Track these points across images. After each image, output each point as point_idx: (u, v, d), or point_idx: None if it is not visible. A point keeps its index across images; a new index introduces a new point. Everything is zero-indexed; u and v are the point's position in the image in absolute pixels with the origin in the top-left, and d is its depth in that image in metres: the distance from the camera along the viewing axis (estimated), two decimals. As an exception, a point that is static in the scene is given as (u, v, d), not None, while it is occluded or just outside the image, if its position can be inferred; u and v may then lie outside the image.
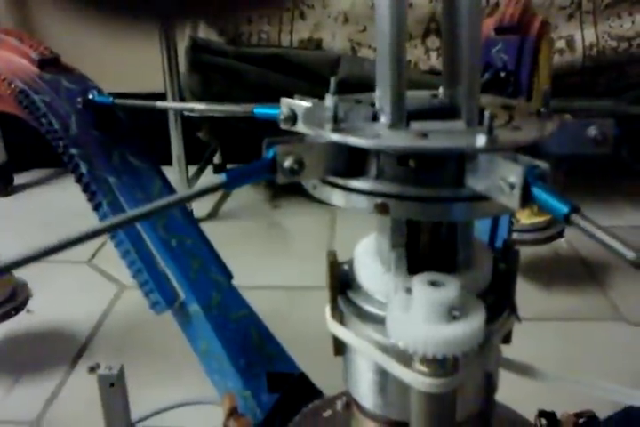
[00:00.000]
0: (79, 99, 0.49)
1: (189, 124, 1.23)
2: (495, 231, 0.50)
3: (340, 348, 0.31)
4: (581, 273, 0.99)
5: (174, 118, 1.18)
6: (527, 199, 0.23)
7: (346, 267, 0.31)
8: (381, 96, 0.28)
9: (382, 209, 0.27)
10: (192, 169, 1.28)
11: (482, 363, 0.28)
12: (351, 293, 0.30)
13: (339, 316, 0.30)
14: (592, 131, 0.29)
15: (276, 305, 0.90)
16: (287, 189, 1.32)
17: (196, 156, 1.34)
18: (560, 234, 0.96)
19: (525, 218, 0.94)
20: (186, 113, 1.11)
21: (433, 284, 0.26)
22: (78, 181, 0.47)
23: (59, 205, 1.25)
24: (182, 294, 0.43)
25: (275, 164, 0.26)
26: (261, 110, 0.40)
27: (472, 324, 0.25)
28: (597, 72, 1.10)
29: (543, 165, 0.23)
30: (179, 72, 1.15)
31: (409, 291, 0.26)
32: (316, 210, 1.23)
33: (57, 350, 0.82)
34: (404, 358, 0.27)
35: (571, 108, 1.15)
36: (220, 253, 1.12)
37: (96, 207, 0.46)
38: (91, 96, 0.49)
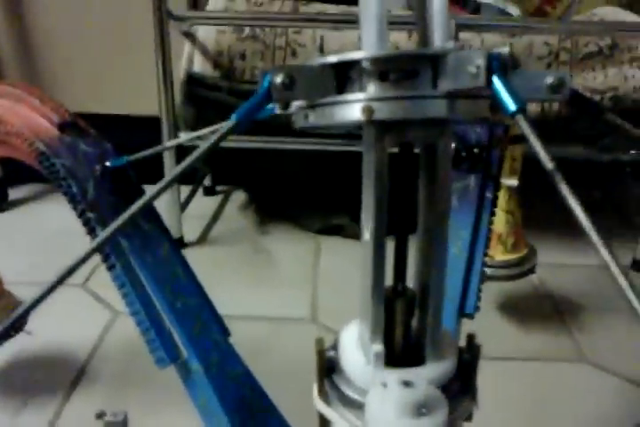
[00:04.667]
0: (97, 166, 0.54)
1: (182, 150, 1.28)
2: (465, 298, 0.56)
3: (324, 424, 0.36)
4: (549, 312, 1.06)
5: (167, 137, 1.22)
6: (491, 83, 0.28)
7: (331, 353, 0.37)
8: (364, 29, 0.32)
9: (368, 112, 0.30)
10: (182, 188, 1.32)
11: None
12: (336, 377, 0.36)
13: (325, 396, 0.36)
14: (549, 79, 0.31)
15: (259, 336, 0.95)
16: (274, 215, 1.37)
17: (187, 176, 1.39)
18: (531, 270, 1.02)
19: (499, 255, 1.00)
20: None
21: (405, 384, 0.31)
22: (98, 251, 0.52)
23: (54, 220, 1.29)
24: (185, 353, 0.48)
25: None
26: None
27: (437, 419, 0.31)
28: (571, 121, 1.17)
29: (504, 50, 0.29)
30: (174, 102, 1.20)
31: (385, 385, 0.32)
32: (302, 237, 1.29)
33: (55, 375, 0.86)
34: (380, 441, 0.32)
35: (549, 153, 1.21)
36: (208, 279, 1.16)
37: (110, 268, 0.51)
38: (108, 163, 0.54)
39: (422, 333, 0.36)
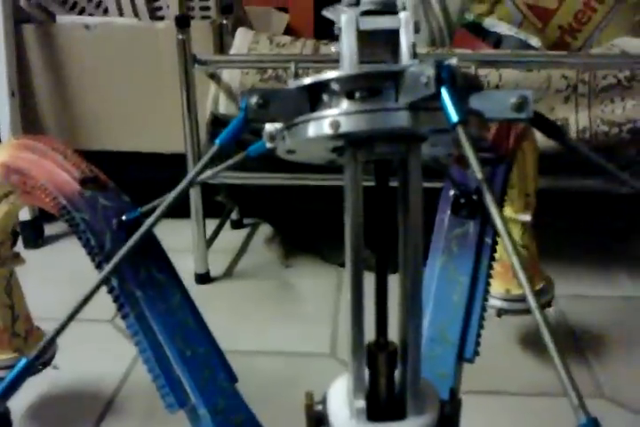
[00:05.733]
0: (114, 220, 0.57)
1: (207, 186, 1.31)
2: (464, 343, 0.57)
3: (315, 473, 0.39)
4: (569, 346, 1.06)
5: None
6: (440, 92, 0.31)
7: (320, 407, 0.39)
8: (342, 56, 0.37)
9: (335, 126, 0.34)
10: (208, 222, 1.34)
11: None
12: (324, 429, 0.38)
13: (315, 448, 0.38)
14: (513, 98, 0.34)
15: (279, 371, 0.98)
16: (299, 248, 1.40)
17: (213, 209, 1.42)
18: (548, 304, 1.03)
19: (515, 289, 1.01)
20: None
21: (382, 440, 0.34)
22: (110, 292, 0.56)
23: (87, 257, 1.34)
24: (193, 399, 0.51)
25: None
26: (252, 149, 0.49)
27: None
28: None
29: (453, 61, 0.32)
30: (199, 141, 1.24)
31: (365, 440, 0.34)
32: (325, 270, 1.32)
33: (83, 409, 0.90)
34: None
35: (562, 186, 1.23)
36: (232, 314, 1.19)
37: (124, 317, 0.54)
38: (124, 218, 0.57)
39: (404, 386, 0.38)
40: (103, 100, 1.47)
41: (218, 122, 1.22)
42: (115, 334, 1.08)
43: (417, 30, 0.37)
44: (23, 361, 0.40)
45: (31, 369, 0.41)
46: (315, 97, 0.36)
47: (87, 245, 0.58)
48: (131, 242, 0.44)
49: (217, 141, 0.38)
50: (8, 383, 0.39)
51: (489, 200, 0.32)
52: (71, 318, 0.44)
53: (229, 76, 1.26)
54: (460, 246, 0.59)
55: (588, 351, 1.03)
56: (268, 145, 0.43)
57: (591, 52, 1.36)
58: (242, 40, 1.31)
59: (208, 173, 0.59)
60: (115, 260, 0.43)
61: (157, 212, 0.43)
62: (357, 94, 0.34)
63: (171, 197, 0.43)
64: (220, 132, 1.26)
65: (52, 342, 0.42)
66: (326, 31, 1.56)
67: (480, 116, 0.35)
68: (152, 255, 0.57)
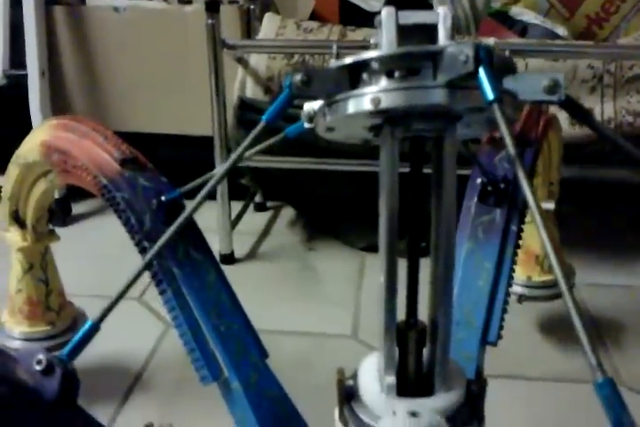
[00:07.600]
0: (154, 200, 0.59)
1: (233, 169, 1.33)
2: (488, 328, 0.59)
3: (345, 444, 0.41)
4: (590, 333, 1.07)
5: (219, 157, 1.27)
6: (477, 71, 0.33)
7: (351, 382, 0.41)
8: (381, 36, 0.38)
9: (375, 102, 0.35)
10: (234, 204, 1.36)
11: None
12: (354, 403, 0.40)
13: (344, 420, 0.40)
14: (545, 81, 0.36)
15: (301, 351, 1.00)
16: (322, 232, 1.42)
17: (237, 192, 1.43)
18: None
19: (536, 275, 1.03)
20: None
21: (412, 414, 0.36)
22: (148, 269, 0.58)
23: (115, 234, 1.36)
24: (226, 372, 0.53)
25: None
26: (290, 129, 0.51)
27: (440, 446, 0.35)
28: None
29: (490, 41, 0.33)
30: (226, 124, 1.26)
31: (394, 414, 0.36)
32: (347, 254, 1.34)
33: (111, 383, 0.93)
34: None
35: (588, 176, 1.23)
36: (255, 295, 1.21)
37: (161, 293, 0.57)
38: (163, 198, 0.60)
39: (432, 364, 0.40)
40: (131, 83, 1.49)
41: (245, 106, 1.24)
42: (142, 310, 1.11)
43: (454, 25, 0.39)
44: (89, 323, 0.43)
45: (96, 331, 0.44)
46: (355, 76, 0.37)
47: (127, 224, 0.60)
48: (175, 225, 0.46)
49: (264, 118, 0.40)
50: (75, 344, 0.42)
51: (520, 174, 0.34)
52: (111, 307, 0.45)
53: (257, 60, 1.27)
54: (486, 233, 0.61)
55: (607, 339, 1.05)
56: (307, 125, 0.45)
57: (618, 43, 1.35)
58: (269, 25, 1.32)
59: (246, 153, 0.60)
60: (159, 243, 0.45)
61: (202, 192, 0.45)
62: (397, 73, 0.36)
63: (217, 176, 0.45)
64: (247, 115, 1.28)
65: (111, 308, 0.44)
66: (352, 15, 1.56)
67: (513, 96, 0.37)
68: (189, 234, 0.59)
